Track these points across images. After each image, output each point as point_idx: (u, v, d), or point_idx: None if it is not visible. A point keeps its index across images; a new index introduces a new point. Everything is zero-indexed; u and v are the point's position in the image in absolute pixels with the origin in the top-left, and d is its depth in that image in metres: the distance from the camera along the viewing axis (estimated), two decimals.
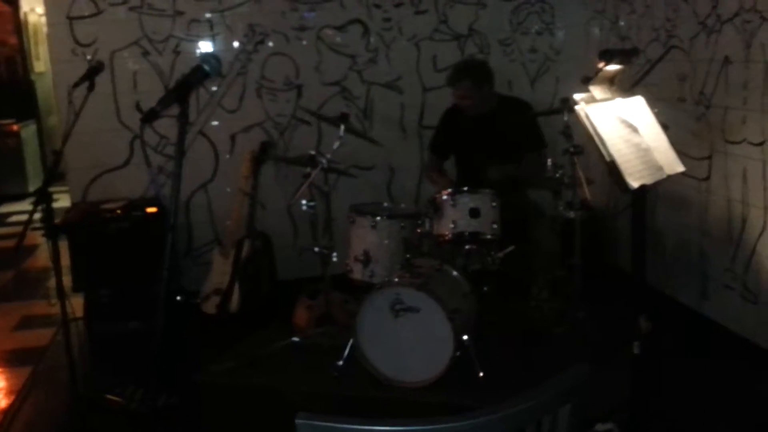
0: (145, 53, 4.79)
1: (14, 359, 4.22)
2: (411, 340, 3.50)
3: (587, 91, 2.90)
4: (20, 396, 3.73)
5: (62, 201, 5.33)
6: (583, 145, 3.77)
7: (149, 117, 2.40)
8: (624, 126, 2.83)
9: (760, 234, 3.67)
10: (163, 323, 2.42)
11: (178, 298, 4.28)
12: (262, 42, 4.91)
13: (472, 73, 4.33)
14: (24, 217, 3.01)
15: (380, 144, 4.32)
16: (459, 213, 3.77)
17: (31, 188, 8.38)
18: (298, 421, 1.22)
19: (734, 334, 3.88)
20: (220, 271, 4.51)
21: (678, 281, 4.39)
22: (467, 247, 3.84)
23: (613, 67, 2.97)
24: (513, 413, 1.28)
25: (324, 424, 1.21)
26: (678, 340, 3.93)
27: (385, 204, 4.45)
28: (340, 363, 3.64)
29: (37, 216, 3.05)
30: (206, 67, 2.44)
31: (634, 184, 2.67)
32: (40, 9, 8.41)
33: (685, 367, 3.66)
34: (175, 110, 2.45)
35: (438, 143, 4.66)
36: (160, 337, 2.41)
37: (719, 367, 3.65)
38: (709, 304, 4.12)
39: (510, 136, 4.32)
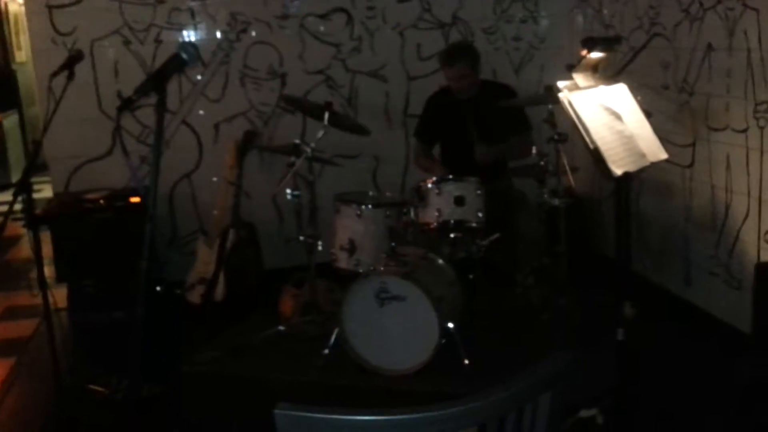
0: (126, 42, 4.74)
1: None
2: (396, 328, 3.50)
3: (571, 78, 2.90)
4: (4, 387, 3.71)
5: (45, 191, 5.30)
6: (568, 132, 3.77)
7: (125, 105, 2.37)
8: (607, 113, 2.84)
9: (744, 220, 3.69)
10: (143, 313, 2.40)
11: (158, 288, 4.25)
12: (244, 31, 4.87)
13: (468, 53, 4.37)
14: (5, 208, 2.98)
15: (368, 130, 4.29)
16: (444, 201, 3.76)
17: (14, 179, 8.29)
18: (276, 412, 1.21)
19: (718, 320, 3.91)
20: (205, 260, 4.49)
21: (662, 267, 4.42)
22: (452, 235, 3.84)
23: (596, 55, 2.97)
24: (492, 401, 1.28)
25: (301, 414, 1.21)
26: (662, 325, 3.95)
27: (370, 193, 4.44)
28: (326, 352, 3.64)
29: (18, 206, 3.02)
30: (184, 55, 2.41)
31: (618, 171, 2.68)
32: None
33: (669, 352, 3.69)
34: (154, 99, 2.42)
35: (423, 130, 4.65)
36: (139, 327, 2.39)
37: (703, 352, 3.68)
38: (692, 290, 4.15)
39: (495, 120, 4.31)
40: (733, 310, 3.79)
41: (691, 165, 4.07)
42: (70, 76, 3.24)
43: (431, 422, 1.24)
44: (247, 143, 4.67)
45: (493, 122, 4.31)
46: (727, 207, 3.81)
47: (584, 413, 2.97)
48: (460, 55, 4.35)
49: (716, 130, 3.84)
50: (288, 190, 3.96)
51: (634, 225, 4.48)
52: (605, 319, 2.91)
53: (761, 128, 3.53)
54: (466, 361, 3.48)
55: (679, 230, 4.22)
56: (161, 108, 2.38)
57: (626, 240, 3.09)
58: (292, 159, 3.92)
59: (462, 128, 4.33)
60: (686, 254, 4.17)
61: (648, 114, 3.04)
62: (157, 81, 2.38)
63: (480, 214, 3.77)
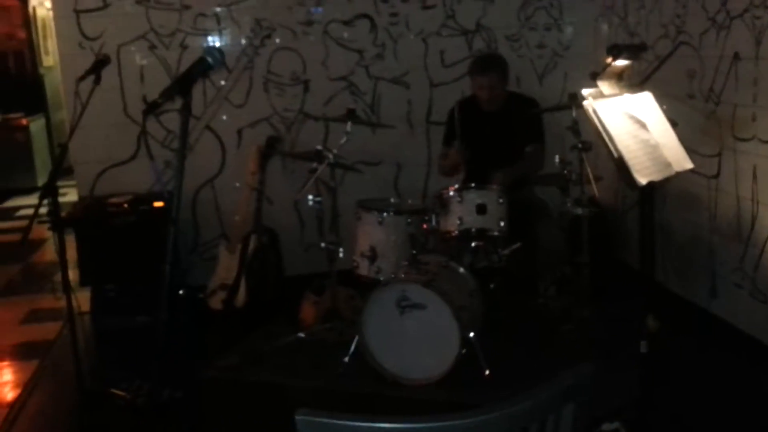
0: (152, 47, 4.78)
1: (21, 353, 4.23)
2: (417, 337, 3.49)
3: (595, 86, 2.88)
4: (26, 390, 3.74)
5: (70, 195, 5.35)
6: (591, 141, 3.75)
7: (151, 109, 2.39)
8: (632, 122, 2.81)
9: None
10: (166, 317, 2.41)
11: (181, 292, 4.27)
12: (269, 36, 4.89)
13: (499, 64, 4.37)
14: (31, 212, 3.01)
15: (393, 126, 4.26)
16: (466, 209, 3.75)
17: (40, 182, 8.39)
18: (297, 418, 1.20)
19: (743, 333, 3.85)
20: (226, 266, 4.50)
21: (687, 279, 4.36)
22: (474, 243, 3.82)
23: (621, 63, 2.95)
24: (515, 411, 1.27)
25: (323, 420, 1.20)
26: (686, 338, 3.90)
27: (392, 200, 4.43)
28: (346, 359, 3.64)
29: (43, 210, 3.05)
30: (209, 60, 2.43)
31: (642, 180, 2.65)
32: (48, 3, 8.40)
33: (694, 365, 3.64)
34: (178, 104, 2.43)
35: (451, 137, 4.58)
36: (162, 331, 2.40)
37: (728, 365, 3.62)
38: (718, 302, 4.09)
39: (517, 133, 4.30)
40: (759, 324, 3.73)
41: (717, 175, 4.02)
42: (97, 81, 3.27)
43: (454, 430, 1.23)
44: (270, 149, 4.68)
45: (515, 136, 4.29)
46: (754, 218, 3.76)
47: (607, 427, 2.93)
48: (493, 64, 4.34)
49: (743, 140, 3.79)
50: (310, 196, 3.97)
51: (659, 236, 4.43)
52: (628, 331, 2.88)
53: None
54: (487, 372, 3.45)
55: (705, 242, 4.17)
56: (186, 111, 2.40)
57: (650, 251, 3.06)
58: (315, 165, 3.93)
59: (485, 141, 4.31)
60: (711, 266, 4.12)
61: (674, 123, 3.01)
62: (182, 85, 2.39)
63: (502, 223, 3.75)
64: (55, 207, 3.11)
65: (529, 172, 4.29)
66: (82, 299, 4.05)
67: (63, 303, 3.24)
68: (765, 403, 3.30)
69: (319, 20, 4.94)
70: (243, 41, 4.87)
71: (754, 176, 3.72)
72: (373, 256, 3.83)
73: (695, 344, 3.87)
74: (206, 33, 4.84)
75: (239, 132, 4.97)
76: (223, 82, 4.87)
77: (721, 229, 4.03)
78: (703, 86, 4.06)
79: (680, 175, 2.93)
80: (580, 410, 1.37)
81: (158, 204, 4.50)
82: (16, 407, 3.56)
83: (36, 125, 8.86)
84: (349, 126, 3.93)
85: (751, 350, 3.73)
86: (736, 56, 3.78)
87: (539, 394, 1.29)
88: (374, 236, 3.86)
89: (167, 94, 2.38)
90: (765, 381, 3.44)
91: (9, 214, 7.86)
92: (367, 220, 3.90)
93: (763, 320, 3.69)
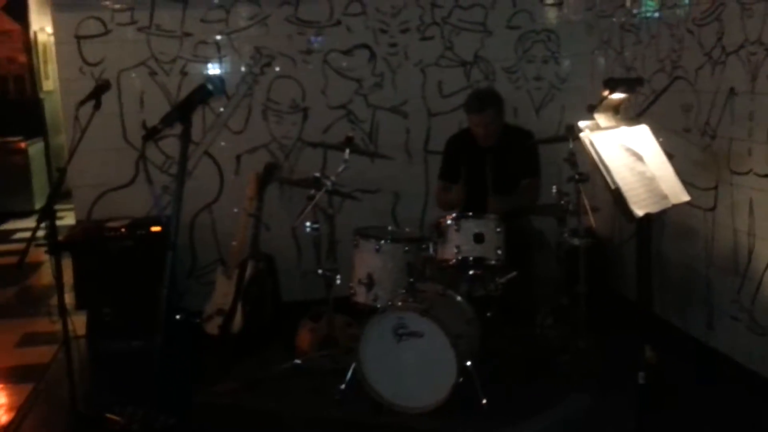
0: (153, 73, 4.82)
1: (15, 376, 4.20)
2: (414, 365, 3.48)
3: (592, 119, 2.91)
4: (20, 413, 3.71)
5: (67, 219, 5.35)
6: (588, 172, 3.77)
7: (151, 134, 2.41)
8: (629, 154, 2.84)
9: (767, 265, 3.65)
10: (163, 342, 2.40)
11: (178, 317, 4.26)
12: (268, 65, 4.94)
13: (495, 101, 4.34)
14: (28, 235, 3.01)
15: (391, 158, 4.29)
16: (463, 238, 3.76)
17: (38, 206, 8.39)
18: None
19: (740, 366, 3.84)
20: (223, 291, 4.49)
21: (684, 311, 4.36)
22: (471, 272, 3.82)
23: (617, 96, 2.98)
24: None
25: None
26: (684, 370, 3.89)
27: (390, 228, 4.44)
28: (342, 387, 3.62)
29: (41, 233, 3.05)
30: (209, 87, 2.45)
31: (639, 212, 2.67)
32: (49, 28, 8.46)
33: (691, 397, 3.62)
34: (177, 130, 2.45)
35: (447, 170, 4.61)
36: (158, 355, 2.39)
37: (725, 398, 3.61)
38: (715, 334, 4.09)
39: (513, 165, 4.33)
40: (757, 357, 3.73)
41: (713, 208, 4.04)
42: (97, 106, 3.28)
43: None
44: (268, 175, 4.70)
45: (510, 168, 4.32)
46: (750, 251, 3.77)
47: None
48: (488, 102, 4.31)
49: (739, 173, 3.82)
50: (307, 223, 3.97)
51: (656, 267, 4.44)
52: (625, 362, 2.87)
53: None
54: (484, 401, 3.44)
55: (701, 274, 4.18)
56: (186, 137, 2.41)
57: (647, 282, 3.06)
58: (312, 192, 3.94)
59: (481, 173, 4.33)
60: (708, 298, 4.12)
61: (670, 156, 3.04)
62: (183, 111, 2.42)
63: (499, 252, 3.76)
64: (52, 230, 3.12)
65: (523, 204, 4.31)
66: (78, 323, 4.02)
67: (58, 326, 3.22)
68: None
69: (319, 49, 4.98)
70: (243, 69, 4.91)
71: (751, 210, 3.75)
72: (370, 284, 3.83)
73: (692, 376, 3.86)
74: (206, 60, 4.88)
75: (238, 158, 4.99)
76: (222, 109, 4.90)
77: (718, 262, 4.05)
78: (699, 120, 4.10)
79: (677, 208, 2.95)
80: None
81: (155, 228, 4.51)
82: (9, 430, 3.53)
83: (34, 149, 8.89)
84: (347, 154, 3.95)
85: (748, 383, 3.72)
86: (732, 91, 3.83)
87: (533, 424, 1.29)
88: (372, 264, 3.86)
89: (168, 120, 2.40)
90: (762, 414, 3.43)
91: (6, 237, 7.84)
92: (365, 247, 3.90)
93: (760, 353, 3.69)
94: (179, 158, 2.43)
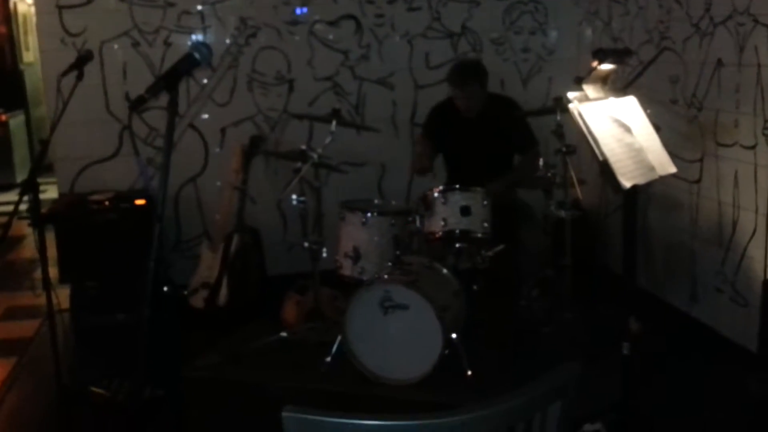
0: (135, 44, 4.75)
1: None
2: (400, 337, 3.48)
3: (580, 91, 2.90)
4: (4, 387, 3.70)
5: (50, 192, 5.30)
6: (575, 145, 3.77)
7: (137, 104, 2.35)
8: (617, 126, 2.83)
9: (751, 237, 3.67)
10: (150, 315, 2.38)
11: (165, 288, 4.24)
12: (254, 35, 4.88)
13: (479, 75, 4.29)
14: (11, 208, 2.97)
15: (378, 130, 4.26)
16: (450, 211, 3.75)
17: (19, 179, 8.30)
18: (284, 414, 1.20)
19: (723, 337, 3.88)
20: (208, 265, 4.47)
21: (668, 283, 4.40)
22: (457, 245, 3.82)
23: (606, 67, 2.96)
24: (503, 409, 1.27)
25: (310, 417, 1.19)
26: (667, 341, 3.93)
27: (376, 201, 4.44)
28: (328, 359, 3.63)
29: (24, 206, 3.01)
30: (197, 55, 2.40)
31: (627, 183, 2.67)
32: None
33: (674, 368, 3.66)
34: (164, 100, 2.41)
35: (431, 129, 4.57)
36: (145, 328, 2.37)
37: (708, 369, 3.65)
38: (698, 306, 4.13)
39: (500, 136, 4.31)
40: (740, 328, 3.76)
41: (698, 180, 4.06)
42: (80, 77, 3.23)
43: (439, 429, 1.23)
44: (254, 148, 4.66)
45: (497, 138, 4.30)
46: (735, 223, 3.79)
47: (588, 427, 2.95)
48: (472, 76, 4.26)
49: (725, 145, 3.82)
50: (293, 196, 3.95)
51: (641, 240, 4.47)
52: (610, 334, 2.89)
53: None
54: (469, 373, 3.46)
55: (686, 246, 4.20)
56: (173, 108, 2.37)
57: (632, 254, 3.07)
58: (299, 165, 3.91)
59: (466, 145, 4.31)
60: (692, 270, 4.15)
61: (657, 128, 3.03)
62: (169, 80, 2.36)
63: (486, 225, 3.76)
64: (35, 203, 3.08)
65: (524, 178, 4.27)
66: (62, 296, 3.99)
67: (42, 300, 3.20)
68: (744, 406, 3.33)
69: (305, 20, 4.93)
70: (227, 40, 4.85)
71: (736, 182, 3.76)
72: (356, 257, 3.82)
73: (676, 347, 3.89)
74: (190, 31, 4.81)
75: (223, 131, 4.94)
76: (206, 81, 4.84)
77: (702, 234, 4.07)
78: (686, 92, 4.10)
79: (662, 180, 2.95)
80: (566, 409, 1.37)
81: (140, 201, 4.46)
82: None
83: (15, 121, 8.77)
84: (333, 126, 3.92)
85: (731, 354, 3.76)
86: (719, 62, 3.82)
87: (528, 391, 1.29)
88: (358, 237, 3.85)
89: (154, 90, 2.34)
90: (744, 384, 3.47)
91: None
92: (351, 220, 3.89)
93: (742, 324, 3.73)
94: (166, 129, 2.39)
